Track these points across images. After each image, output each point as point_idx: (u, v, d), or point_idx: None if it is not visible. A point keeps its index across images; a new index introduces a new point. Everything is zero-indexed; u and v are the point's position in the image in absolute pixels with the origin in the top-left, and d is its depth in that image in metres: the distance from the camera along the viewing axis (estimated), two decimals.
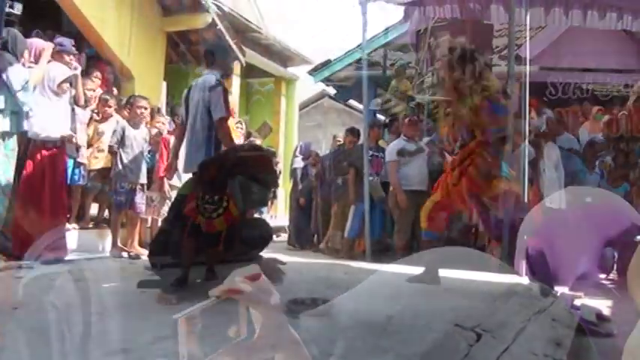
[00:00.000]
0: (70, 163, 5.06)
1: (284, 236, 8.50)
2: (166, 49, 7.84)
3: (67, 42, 4.94)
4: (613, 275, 5.39)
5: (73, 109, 4.96)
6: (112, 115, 5.62)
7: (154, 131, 5.91)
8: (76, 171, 5.20)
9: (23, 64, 4.33)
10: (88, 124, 5.48)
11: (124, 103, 5.90)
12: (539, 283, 4.27)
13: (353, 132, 7.09)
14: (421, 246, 4.25)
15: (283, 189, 9.57)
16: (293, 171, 8.31)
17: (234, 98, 7.94)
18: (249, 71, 10.40)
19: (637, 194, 5.65)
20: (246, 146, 5.23)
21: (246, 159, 3.48)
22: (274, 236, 5.52)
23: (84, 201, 5.49)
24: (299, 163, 8.24)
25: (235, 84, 8.99)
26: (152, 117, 6.02)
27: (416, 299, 3.45)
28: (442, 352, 2.05)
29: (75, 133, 4.87)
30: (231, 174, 3.37)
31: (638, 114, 5.96)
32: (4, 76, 4.02)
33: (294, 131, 11.79)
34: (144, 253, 5.03)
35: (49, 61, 4.56)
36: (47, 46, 4.60)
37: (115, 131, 5.33)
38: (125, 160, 5.30)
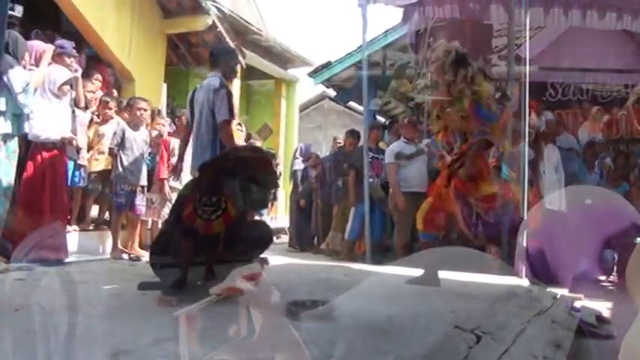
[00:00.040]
0: (71, 165, 5.07)
1: (284, 238, 8.51)
2: (167, 51, 7.84)
3: (68, 44, 4.95)
4: (613, 277, 5.40)
5: (73, 111, 4.97)
6: (112, 117, 5.62)
7: (155, 133, 5.92)
8: (77, 173, 5.21)
9: (24, 67, 4.34)
10: (89, 126, 5.49)
11: (125, 105, 5.91)
12: (533, 277, 4.30)
13: (353, 134, 7.10)
14: (420, 248, 4.26)
15: (283, 191, 9.58)
16: (293, 173, 8.31)
17: (235, 100, 7.94)
18: (250, 73, 10.42)
19: (637, 195, 5.66)
20: (246, 148, 5.23)
21: (246, 160, 3.49)
22: (274, 238, 5.53)
23: (84, 203, 5.50)
24: (299, 165, 8.25)
25: (235, 86, 8.99)
26: (152, 119, 6.03)
27: (415, 301, 3.46)
28: (442, 354, 2.05)
29: (75, 135, 4.87)
30: (231, 176, 3.37)
31: (638, 115, 5.97)
32: (4, 78, 4.02)
33: (295, 133, 11.80)
34: (144, 255, 5.04)
35: (49, 64, 4.57)
36: (48, 49, 4.60)
37: (115, 133, 5.34)
38: (125, 162, 5.30)
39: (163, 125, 6.16)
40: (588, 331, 2.88)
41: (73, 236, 5.10)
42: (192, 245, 3.33)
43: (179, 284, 3.25)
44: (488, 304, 3.06)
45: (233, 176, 3.29)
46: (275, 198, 8.75)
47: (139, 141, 5.42)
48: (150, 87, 7.17)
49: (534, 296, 3.42)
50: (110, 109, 5.62)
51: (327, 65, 9.86)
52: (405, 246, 5.62)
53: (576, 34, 7.26)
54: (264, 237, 3.79)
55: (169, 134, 5.95)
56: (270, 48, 10.41)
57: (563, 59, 7.82)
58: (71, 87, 4.81)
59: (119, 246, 5.36)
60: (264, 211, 7.60)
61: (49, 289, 3.22)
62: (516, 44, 5.82)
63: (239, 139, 6.07)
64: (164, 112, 6.92)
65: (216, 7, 7.78)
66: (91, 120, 5.55)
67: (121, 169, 5.30)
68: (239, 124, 6.97)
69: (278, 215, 9.69)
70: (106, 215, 5.78)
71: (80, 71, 5.12)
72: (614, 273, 5.42)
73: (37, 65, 4.50)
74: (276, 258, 5.42)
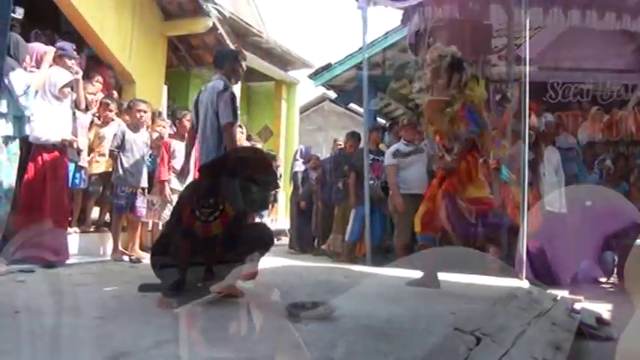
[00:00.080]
0: (71, 167, 5.07)
1: (285, 240, 8.52)
2: (167, 53, 7.86)
3: (69, 46, 4.95)
4: (613, 279, 5.41)
5: (74, 113, 4.98)
6: (113, 119, 5.64)
7: (155, 135, 5.93)
8: (77, 175, 5.22)
9: (25, 69, 4.35)
10: (89, 128, 5.50)
11: (125, 107, 5.92)
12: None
13: (354, 135, 7.11)
14: (419, 249, 4.26)
15: (284, 193, 9.58)
16: (294, 175, 8.32)
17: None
18: (250, 75, 10.41)
19: (636, 195, 5.67)
20: (246, 149, 5.23)
21: (246, 161, 3.49)
22: (275, 240, 5.52)
23: (85, 205, 5.50)
24: (299, 167, 8.26)
25: (236, 87, 9.00)
26: (153, 121, 6.04)
27: (415, 302, 3.46)
28: (442, 356, 2.05)
29: (76, 137, 4.88)
30: (230, 177, 3.37)
31: (637, 117, 5.98)
32: (5, 80, 4.03)
33: (295, 135, 11.81)
34: (145, 257, 5.04)
35: (50, 66, 4.58)
36: (49, 51, 4.61)
37: (115, 135, 5.35)
38: (126, 164, 5.31)
39: (164, 127, 6.17)
40: (588, 333, 2.88)
41: (73, 238, 5.11)
42: (191, 247, 3.33)
43: (178, 286, 3.25)
44: (488, 305, 3.06)
45: (232, 177, 3.29)
46: (275, 200, 8.76)
47: (139, 143, 5.43)
48: (150, 89, 7.18)
49: (534, 298, 3.43)
50: (111, 111, 5.63)
51: (328, 67, 9.86)
52: (406, 247, 5.62)
53: (576, 34, 7.26)
54: (264, 239, 3.78)
55: (170, 136, 5.96)
56: (271, 50, 10.42)
57: (563, 59, 7.83)
58: (72, 89, 4.82)
59: (120, 248, 5.36)
60: (265, 213, 7.61)
61: (50, 291, 3.22)
62: (516, 44, 5.82)
63: (240, 140, 6.08)
64: (165, 114, 6.93)
65: (217, 10, 7.79)
66: (92, 122, 5.56)
67: (121, 171, 5.31)
68: (240, 125, 6.98)
69: (278, 217, 9.70)
70: (107, 217, 5.78)
71: (81, 73, 5.13)
72: (615, 275, 5.42)
73: (37, 67, 4.51)
74: (276, 260, 5.42)
